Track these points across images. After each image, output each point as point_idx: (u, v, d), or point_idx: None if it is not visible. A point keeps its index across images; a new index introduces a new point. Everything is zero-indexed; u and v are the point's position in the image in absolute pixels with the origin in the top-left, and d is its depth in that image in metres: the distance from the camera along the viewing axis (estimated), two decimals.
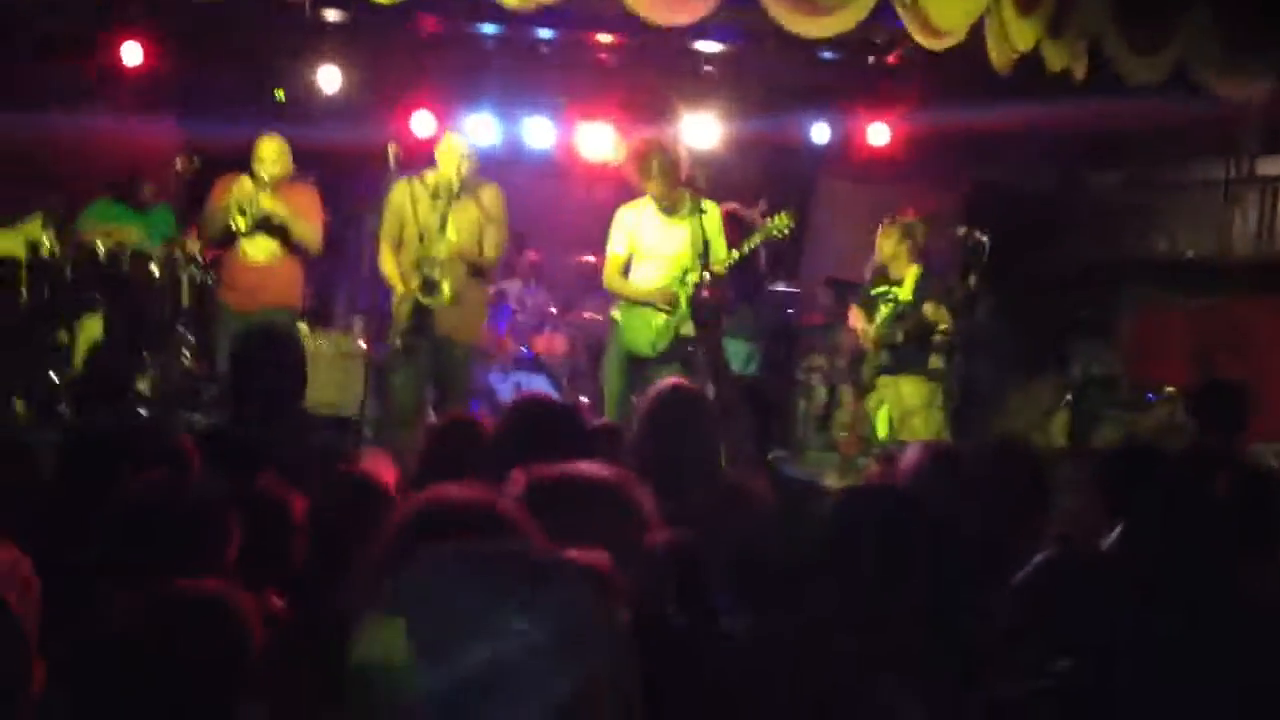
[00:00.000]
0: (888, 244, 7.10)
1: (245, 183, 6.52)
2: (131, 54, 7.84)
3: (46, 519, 2.89)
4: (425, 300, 6.30)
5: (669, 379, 3.91)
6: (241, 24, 7.38)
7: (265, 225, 6.57)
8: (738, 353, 8.21)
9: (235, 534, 2.60)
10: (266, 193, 6.51)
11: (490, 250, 6.48)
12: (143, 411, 7.27)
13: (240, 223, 6.49)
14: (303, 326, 7.49)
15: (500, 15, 6.66)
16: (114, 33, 7.74)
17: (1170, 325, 8.87)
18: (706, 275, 6.27)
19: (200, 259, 7.36)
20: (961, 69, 6.68)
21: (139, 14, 7.57)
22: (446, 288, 6.28)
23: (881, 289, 7.15)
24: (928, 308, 6.87)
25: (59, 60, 7.77)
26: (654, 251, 6.44)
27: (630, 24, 6.31)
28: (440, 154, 6.38)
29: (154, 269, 7.40)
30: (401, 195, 6.34)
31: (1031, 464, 3.35)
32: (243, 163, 6.62)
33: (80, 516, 2.73)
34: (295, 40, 7.89)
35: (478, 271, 6.49)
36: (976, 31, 6.17)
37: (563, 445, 2.90)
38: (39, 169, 8.11)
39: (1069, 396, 8.73)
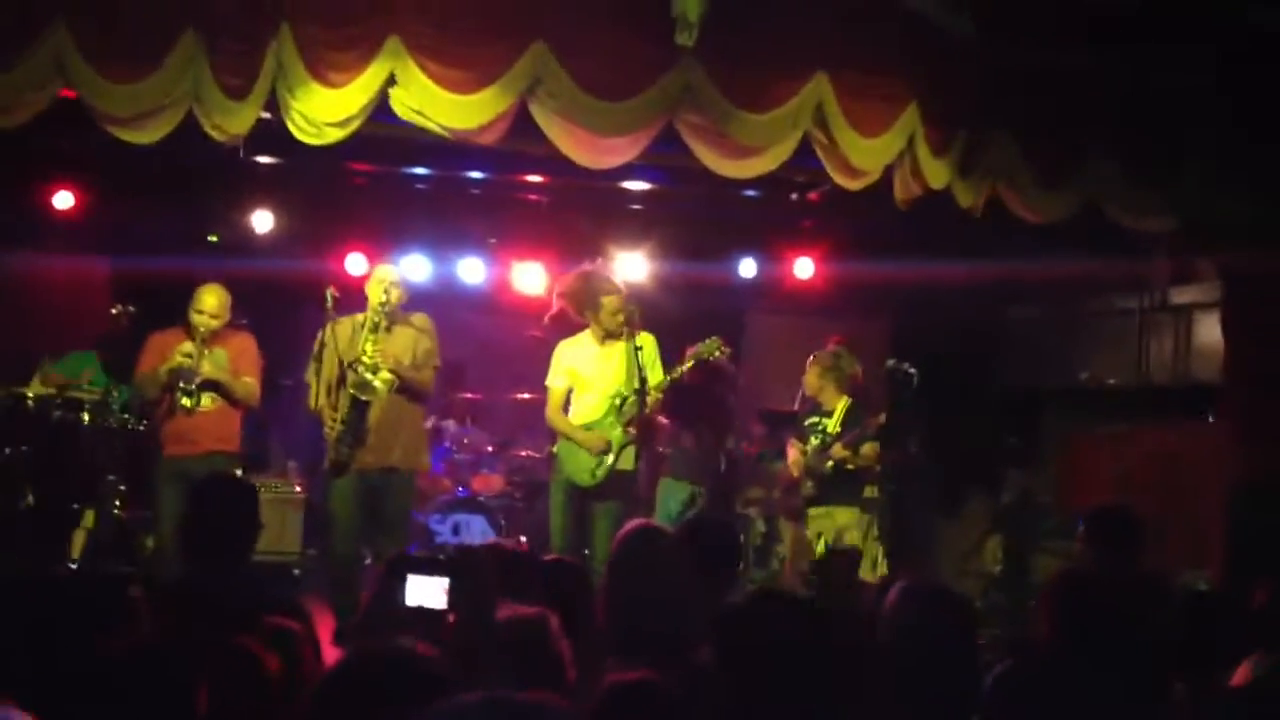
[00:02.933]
0: (813, 376, 7.27)
1: (183, 347, 6.44)
2: (63, 199, 7.87)
3: None
4: (360, 395, 6.25)
5: (635, 521, 4.00)
6: (175, 169, 7.45)
7: (205, 385, 6.50)
8: (678, 494, 8.22)
9: (203, 695, 2.49)
10: (204, 351, 6.46)
11: (425, 371, 6.52)
12: (73, 564, 7.15)
13: (186, 402, 6.37)
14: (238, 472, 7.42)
15: (431, 158, 6.81)
16: (47, 178, 7.78)
17: (1094, 452, 9.02)
18: (643, 399, 6.42)
19: (131, 406, 7.33)
20: (883, 206, 6.91)
21: (71, 159, 7.61)
22: (379, 380, 6.26)
23: (812, 420, 7.27)
24: (844, 444, 6.99)
25: None
26: (592, 382, 6.65)
27: (559, 165, 6.47)
28: (370, 284, 6.52)
29: (85, 416, 7.33)
30: (332, 335, 6.39)
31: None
32: (178, 306, 6.60)
33: (25, 674, 2.61)
34: (229, 184, 7.97)
35: (412, 395, 6.51)
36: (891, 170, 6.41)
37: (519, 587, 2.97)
38: None
39: (1000, 524, 8.85)
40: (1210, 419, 8.10)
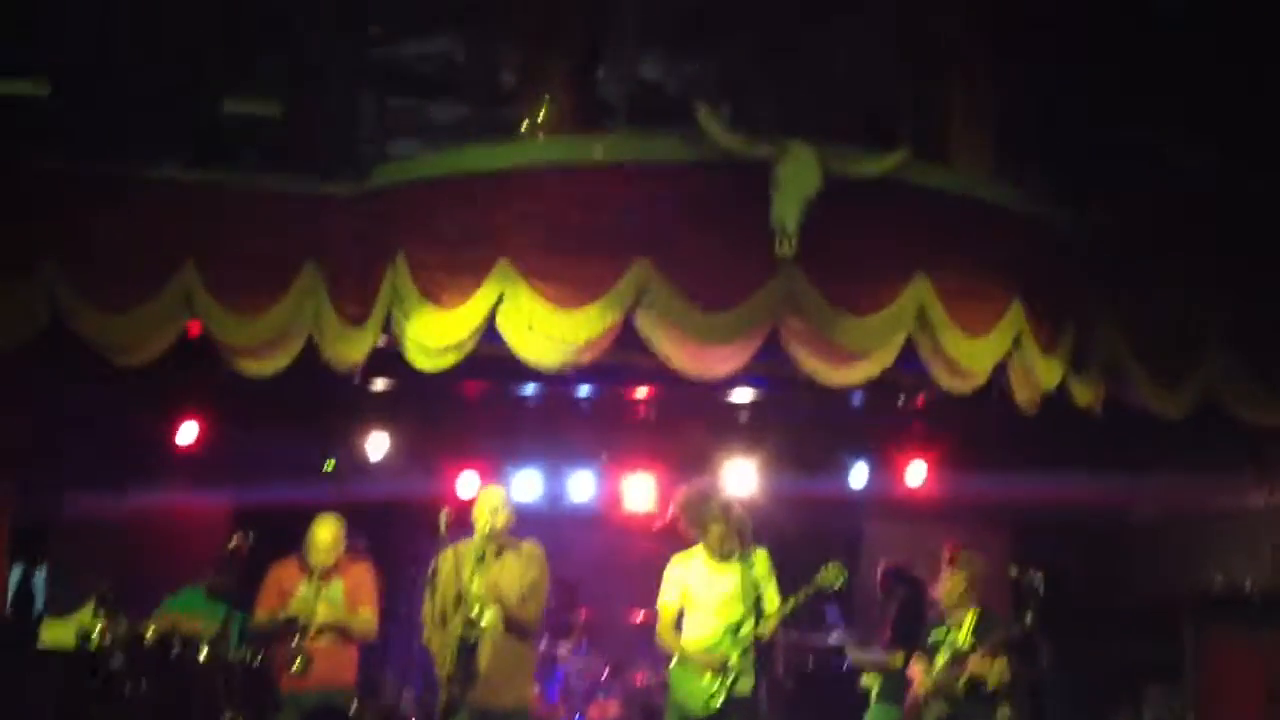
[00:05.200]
0: (956, 585, 6.88)
1: (300, 592, 6.54)
2: (186, 433, 8.09)
3: None
4: (469, 637, 6.08)
5: None
6: (292, 399, 7.67)
7: (322, 629, 6.52)
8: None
9: None
10: (320, 588, 6.52)
11: (531, 605, 6.33)
12: None
13: (299, 665, 6.41)
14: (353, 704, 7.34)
15: (540, 375, 6.92)
16: (170, 413, 8.03)
17: (1239, 662, 8.54)
18: (761, 626, 6.31)
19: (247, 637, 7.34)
20: (993, 407, 6.79)
21: (194, 394, 7.86)
22: (485, 620, 6.11)
23: (938, 634, 6.93)
24: (979, 657, 6.63)
25: (118, 447, 8.02)
26: (705, 602, 6.49)
27: (666, 377, 6.53)
28: (477, 508, 6.41)
29: (202, 653, 7.33)
30: (446, 564, 6.29)
31: None
32: (296, 533, 6.68)
33: None
34: (344, 410, 8.15)
35: (520, 632, 6.33)
36: (1000, 371, 6.32)
37: None
38: (91, 553, 8.26)
39: None
40: None
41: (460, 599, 6.17)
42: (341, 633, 6.57)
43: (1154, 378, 6.43)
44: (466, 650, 6.15)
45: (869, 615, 8.54)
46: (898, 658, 7.66)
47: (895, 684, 7.60)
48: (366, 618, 6.65)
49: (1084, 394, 6.32)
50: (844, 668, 8.83)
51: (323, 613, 6.51)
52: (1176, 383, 6.48)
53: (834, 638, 8.99)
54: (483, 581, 6.19)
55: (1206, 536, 8.99)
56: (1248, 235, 6.30)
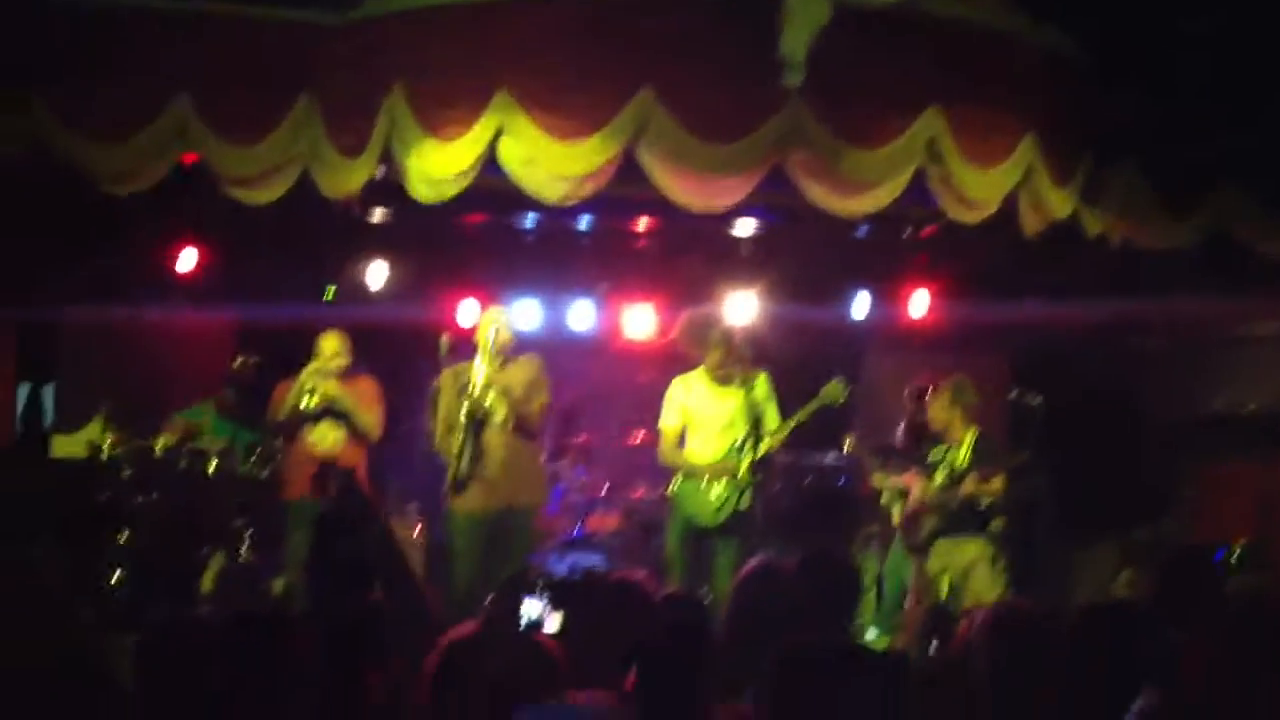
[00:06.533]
0: (940, 408, 7.06)
1: (310, 370, 6.81)
2: (187, 258, 8.07)
3: None
4: (477, 415, 6.39)
5: (759, 557, 4.00)
6: (292, 227, 7.61)
7: (329, 412, 6.84)
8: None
9: None
10: (331, 381, 6.79)
11: (535, 403, 6.60)
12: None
13: (309, 401, 6.75)
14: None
15: (540, 206, 6.87)
16: (171, 240, 8.00)
17: (1234, 482, 8.70)
18: (763, 445, 6.47)
19: (258, 453, 7.54)
20: (1000, 239, 6.75)
21: (194, 221, 7.83)
22: (492, 401, 6.40)
23: (937, 453, 7.10)
24: (976, 478, 6.80)
25: (118, 264, 8.02)
26: (707, 422, 6.65)
27: (668, 209, 6.46)
28: (479, 325, 6.68)
29: (210, 464, 7.52)
30: (449, 381, 6.57)
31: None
32: (300, 357, 6.92)
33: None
34: (343, 239, 8.11)
35: (525, 432, 6.59)
36: (1010, 201, 6.26)
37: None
38: (98, 371, 8.35)
39: (1134, 557, 8.54)
40: None
41: (464, 396, 6.42)
42: (348, 422, 6.83)
43: (1166, 208, 6.37)
44: (476, 447, 6.44)
45: (868, 440, 8.68)
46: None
47: None
48: (374, 417, 6.94)
49: (1095, 224, 6.27)
50: (841, 483, 9.08)
51: (334, 391, 6.79)
52: (1187, 213, 6.43)
53: (831, 458, 9.14)
54: (489, 385, 6.44)
55: (1212, 363, 9.06)
56: (1255, 72, 6.16)
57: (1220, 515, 8.64)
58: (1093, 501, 8.95)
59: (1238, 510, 8.45)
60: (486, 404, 6.41)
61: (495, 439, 6.49)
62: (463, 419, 6.41)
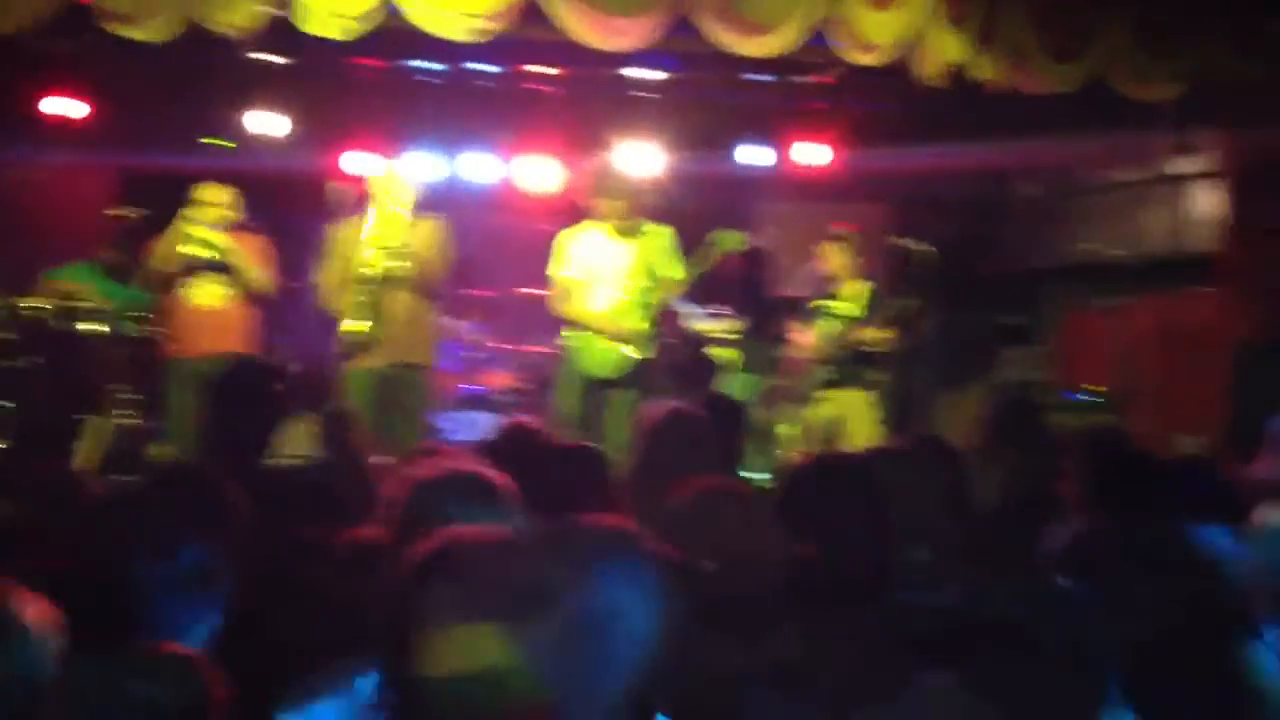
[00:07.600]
0: (835, 259, 7.20)
1: (190, 218, 6.48)
2: (66, 105, 7.76)
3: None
4: (374, 272, 6.21)
5: (666, 402, 4.05)
6: (178, 71, 7.36)
7: (215, 266, 6.52)
8: (746, 386, 8.15)
9: None
10: (220, 234, 6.49)
11: (437, 264, 6.45)
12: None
13: (195, 249, 6.42)
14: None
15: (438, 53, 6.76)
16: (47, 84, 7.67)
17: (1093, 327, 9.05)
18: (665, 295, 6.45)
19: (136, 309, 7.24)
20: (894, 86, 6.87)
21: (72, 64, 7.50)
22: (402, 273, 6.24)
23: (823, 303, 7.24)
24: (869, 328, 6.98)
25: None
26: (604, 274, 6.54)
27: (569, 54, 6.42)
28: (382, 182, 6.44)
29: (84, 324, 7.25)
30: (343, 235, 6.37)
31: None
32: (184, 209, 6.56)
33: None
34: (234, 85, 7.87)
35: (425, 289, 6.45)
36: (905, 51, 6.37)
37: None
38: None
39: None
40: (1208, 287, 8.12)
41: (369, 267, 6.26)
42: (236, 280, 6.55)
43: (1049, 52, 6.51)
44: (371, 303, 6.27)
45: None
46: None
47: (755, 354, 8.05)
48: (265, 273, 6.66)
49: (985, 69, 6.41)
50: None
51: (222, 242, 6.47)
52: (1070, 58, 6.58)
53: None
54: (392, 244, 6.27)
55: (1075, 211, 9.35)
56: None
57: (1080, 360, 9.04)
58: (966, 348, 9.30)
59: (1096, 355, 8.85)
60: (388, 263, 6.25)
61: (397, 299, 6.33)
62: (365, 276, 6.26)
